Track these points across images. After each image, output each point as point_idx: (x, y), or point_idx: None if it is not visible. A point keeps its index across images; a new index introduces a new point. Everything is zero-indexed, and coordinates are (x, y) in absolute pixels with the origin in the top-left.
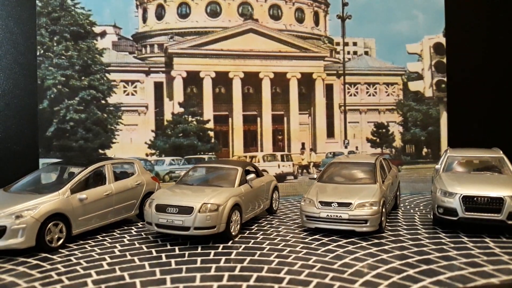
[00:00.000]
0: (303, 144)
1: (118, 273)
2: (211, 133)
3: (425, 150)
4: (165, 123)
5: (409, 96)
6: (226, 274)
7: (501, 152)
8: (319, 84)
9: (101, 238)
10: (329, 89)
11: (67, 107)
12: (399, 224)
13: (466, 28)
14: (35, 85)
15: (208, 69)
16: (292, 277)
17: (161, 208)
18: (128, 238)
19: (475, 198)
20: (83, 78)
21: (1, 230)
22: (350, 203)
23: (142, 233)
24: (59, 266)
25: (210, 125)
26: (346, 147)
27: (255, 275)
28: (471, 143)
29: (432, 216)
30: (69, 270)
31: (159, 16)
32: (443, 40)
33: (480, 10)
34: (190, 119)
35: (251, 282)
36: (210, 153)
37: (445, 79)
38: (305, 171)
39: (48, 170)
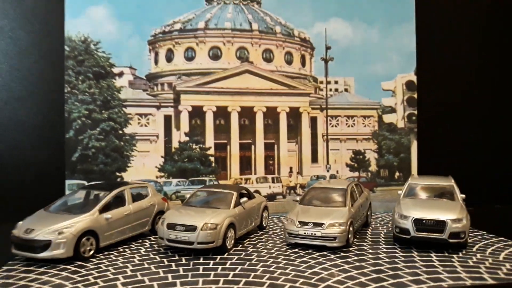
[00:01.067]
0: (291, 168)
1: (139, 277)
2: (212, 159)
3: (397, 174)
4: (173, 150)
5: (383, 127)
6: (222, 279)
7: (453, 180)
8: (305, 117)
9: (122, 250)
10: (313, 121)
11: (90, 136)
12: (366, 240)
13: (435, 67)
14: (63, 117)
15: (210, 104)
16: (272, 282)
17: (171, 226)
18: (144, 250)
19: (423, 221)
20: (103, 111)
21: (47, 244)
22: (323, 223)
23: (155, 246)
24: (93, 272)
25: (211, 151)
26: (328, 171)
27: (243, 280)
28: (438, 169)
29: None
30: (101, 275)
31: (169, 59)
32: (414, 78)
33: (447, 52)
34: (194, 146)
35: (241, 285)
36: (211, 176)
37: (415, 112)
38: (292, 191)
39: (76, 193)
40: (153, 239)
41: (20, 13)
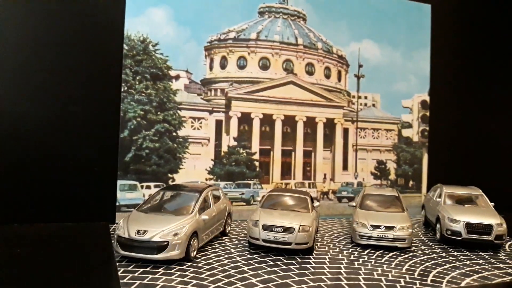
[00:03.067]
0: (324, 174)
1: (245, 268)
2: (257, 163)
3: (411, 182)
4: (222, 153)
5: (402, 140)
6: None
7: (480, 190)
8: (339, 128)
9: (212, 250)
10: (345, 132)
11: (144, 137)
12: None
13: (446, 89)
14: (118, 117)
15: (258, 111)
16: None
17: (268, 228)
18: (232, 247)
19: (473, 225)
20: (159, 113)
21: (165, 245)
22: (394, 226)
23: (238, 246)
24: (204, 269)
25: (256, 156)
26: (356, 178)
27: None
28: (444, 179)
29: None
30: (219, 271)
31: (223, 66)
32: (427, 98)
33: (457, 76)
34: (241, 151)
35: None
36: (255, 179)
37: (427, 128)
38: (325, 196)
39: (159, 194)
40: (225, 239)
41: (80, 8)
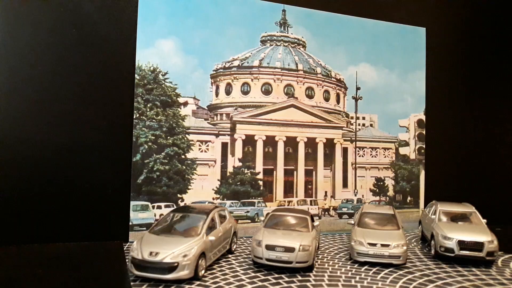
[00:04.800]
0: (325, 192)
1: (249, 286)
2: (261, 182)
3: (409, 198)
4: (228, 174)
5: (399, 158)
6: None
7: (473, 207)
8: (338, 147)
9: (219, 268)
10: (344, 151)
11: (155, 160)
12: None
13: (441, 108)
14: (131, 142)
15: (261, 134)
16: None
17: (270, 247)
18: (238, 265)
19: (465, 242)
20: (168, 137)
21: (175, 266)
22: (389, 244)
23: (243, 264)
24: (211, 287)
25: (260, 176)
26: (355, 195)
27: None
28: (440, 195)
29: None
30: None
31: (228, 92)
32: (423, 117)
33: (451, 95)
34: (246, 171)
35: None
36: (259, 198)
37: (424, 146)
38: (326, 213)
39: (169, 216)
40: (231, 257)
41: (95, 42)
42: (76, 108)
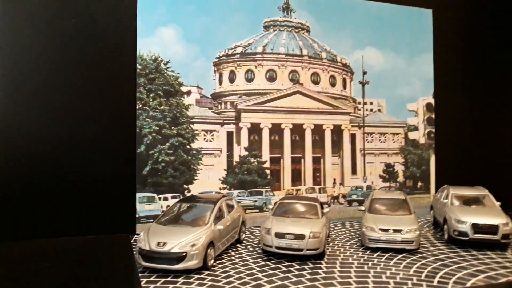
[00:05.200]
0: (334, 179)
1: (260, 275)
2: (268, 171)
3: (420, 184)
4: (234, 163)
5: (409, 143)
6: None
7: (486, 190)
8: (346, 134)
9: (228, 258)
10: (353, 137)
11: (160, 151)
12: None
13: (450, 91)
14: (134, 133)
15: (266, 122)
16: None
17: (280, 235)
18: (247, 254)
19: (479, 225)
20: (172, 127)
21: (184, 255)
22: (402, 229)
23: (252, 253)
24: (221, 277)
25: (267, 165)
26: (365, 182)
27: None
28: (452, 179)
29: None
30: (236, 278)
31: (231, 80)
32: (432, 101)
33: (459, 78)
34: (252, 160)
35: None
36: (267, 187)
37: (433, 130)
38: (336, 200)
39: (176, 206)
40: (240, 246)
41: (94, 32)
42: (78, 101)
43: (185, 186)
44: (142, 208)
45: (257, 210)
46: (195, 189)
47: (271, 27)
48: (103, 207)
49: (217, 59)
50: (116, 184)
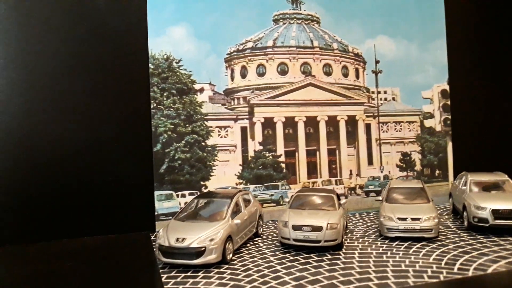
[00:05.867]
0: (350, 170)
1: (278, 267)
2: (283, 165)
3: (437, 171)
4: (249, 158)
5: (425, 131)
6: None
7: (506, 175)
8: (361, 124)
9: (246, 252)
10: (367, 127)
11: (176, 149)
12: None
13: (465, 76)
14: (150, 132)
15: (280, 115)
16: None
17: (297, 227)
18: (265, 248)
19: (500, 210)
20: (187, 125)
21: (203, 250)
22: (420, 218)
23: (271, 246)
24: (240, 271)
25: (282, 158)
26: (382, 172)
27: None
28: (470, 166)
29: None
30: (255, 271)
31: (243, 75)
32: (447, 87)
33: (474, 63)
34: (267, 154)
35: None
36: (283, 181)
37: (449, 116)
38: (353, 191)
39: (194, 202)
40: (258, 240)
41: (106, 34)
42: (94, 103)
43: (201, 182)
44: (160, 206)
45: (274, 204)
46: (211, 185)
47: (281, 20)
48: (123, 206)
49: (228, 55)
50: (135, 183)
